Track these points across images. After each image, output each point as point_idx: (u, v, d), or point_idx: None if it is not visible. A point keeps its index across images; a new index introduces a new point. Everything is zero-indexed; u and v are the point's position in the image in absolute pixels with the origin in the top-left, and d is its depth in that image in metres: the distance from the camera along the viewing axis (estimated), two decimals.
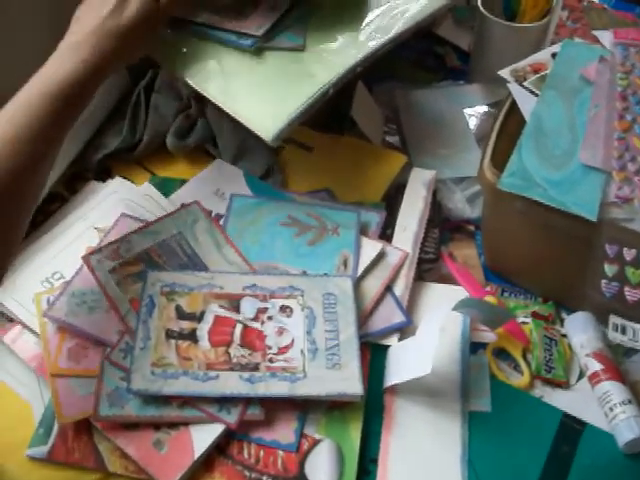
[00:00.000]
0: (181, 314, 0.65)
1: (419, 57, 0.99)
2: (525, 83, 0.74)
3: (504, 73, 0.76)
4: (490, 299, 0.71)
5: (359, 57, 0.74)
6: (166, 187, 0.79)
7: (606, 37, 0.82)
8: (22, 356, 0.66)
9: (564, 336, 0.71)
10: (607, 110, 0.69)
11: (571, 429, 0.64)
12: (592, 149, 0.66)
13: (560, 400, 0.66)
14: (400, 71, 0.96)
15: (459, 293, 0.72)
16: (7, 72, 0.65)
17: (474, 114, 0.90)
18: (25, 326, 0.67)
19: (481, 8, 0.89)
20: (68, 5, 0.65)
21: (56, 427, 0.61)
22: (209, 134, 0.82)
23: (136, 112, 0.82)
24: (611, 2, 1.09)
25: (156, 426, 0.60)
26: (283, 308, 0.66)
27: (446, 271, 0.75)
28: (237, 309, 0.66)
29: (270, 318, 0.66)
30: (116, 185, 0.78)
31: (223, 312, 0.65)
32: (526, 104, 0.72)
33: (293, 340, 0.64)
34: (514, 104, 0.74)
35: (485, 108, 0.90)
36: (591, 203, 0.62)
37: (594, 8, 1.00)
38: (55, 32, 0.64)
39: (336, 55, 0.74)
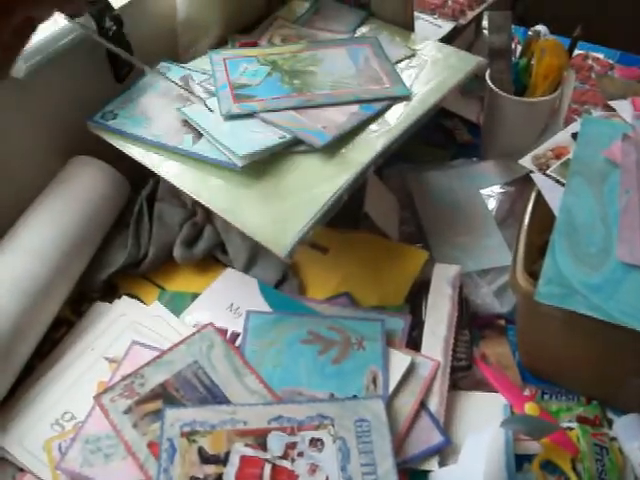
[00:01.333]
0: (204, 458, 0.60)
1: (427, 133, 0.95)
2: (549, 172, 0.70)
3: (525, 162, 0.72)
4: (532, 406, 0.67)
5: (373, 155, 0.71)
6: (176, 303, 0.74)
7: (625, 108, 0.79)
8: None
9: (613, 439, 0.66)
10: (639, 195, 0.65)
11: None
12: (629, 244, 0.62)
13: None
14: (408, 150, 0.92)
15: (497, 401, 0.67)
16: None
17: (491, 194, 0.86)
18: (37, 478, 0.62)
19: (489, 83, 0.86)
20: None
21: None
22: (217, 241, 0.78)
23: (139, 223, 0.79)
24: (616, 56, 1.07)
25: None
26: (313, 441, 0.61)
27: (481, 376, 0.70)
28: (264, 446, 0.61)
29: (300, 454, 0.61)
30: (123, 306, 0.74)
31: (249, 452, 0.60)
32: (553, 196, 0.68)
33: (327, 479, 0.59)
34: (539, 194, 0.70)
35: (502, 188, 0.86)
36: (638, 309, 0.57)
37: (604, 76, 0.96)
38: None
39: (348, 155, 0.71)
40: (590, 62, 1.02)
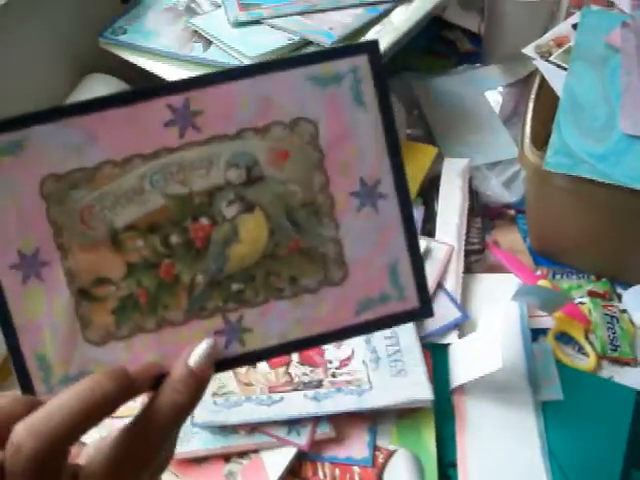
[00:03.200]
0: None
1: (429, 44, 0.97)
2: (551, 58, 0.72)
3: (528, 51, 0.74)
4: (544, 283, 0.69)
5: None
6: None
7: (623, 1, 0.80)
8: None
9: (624, 312, 0.69)
10: None
11: None
12: (632, 117, 0.64)
13: (631, 378, 0.64)
14: (413, 61, 0.94)
15: (510, 281, 0.70)
16: None
17: (495, 95, 0.88)
18: None
19: None
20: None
21: None
22: None
23: None
24: None
25: (226, 457, 0.58)
26: None
27: (494, 260, 0.73)
28: None
29: None
30: None
31: None
32: (556, 80, 0.70)
33: (353, 351, 0.62)
34: (542, 81, 0.72)
35: (505, 88, 0.88)
36: None
37: None
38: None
39: None
40: None
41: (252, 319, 0.34)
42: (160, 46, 0.76)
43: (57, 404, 0.29)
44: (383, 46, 0.73)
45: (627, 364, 0.65)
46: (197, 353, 0.32)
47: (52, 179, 0.32)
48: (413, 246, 0.35)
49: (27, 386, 0.32)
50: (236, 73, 0.33)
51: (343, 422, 0.60)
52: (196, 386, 0.31)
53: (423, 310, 0.36)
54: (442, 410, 0.61)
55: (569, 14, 0.85)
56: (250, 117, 0.33)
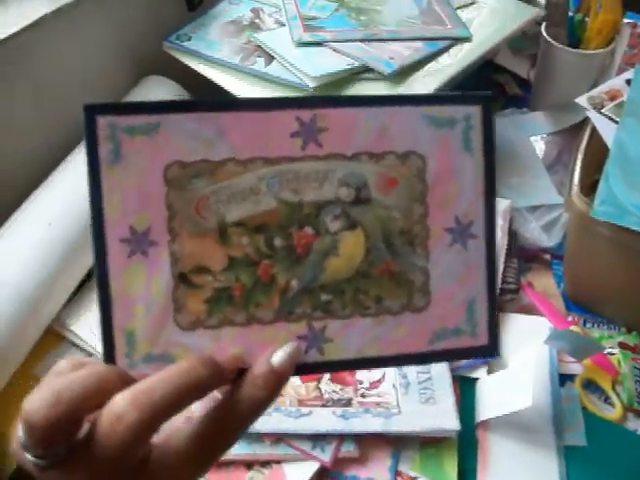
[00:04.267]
0: None
1: (478, 85, 0.98)
2: (603, 110, 0.74)
3: (581, 101, 0.75)
4: (575, 329, 0.70)
5: (434, 87, 0.74)
6: None
7: None
8: None
9: None
10: None
11: None
12: None
13: None
14: None
15: (542, 324, 0.71)
16: None
17: (539, 142, 0.89)
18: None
19: (545, 35, 0.89)
20: None
21: None
22: None
23: None
24: None
25: (248, 465, 0.59)
26: None
27: (527, 301, 0.73)
28: None
29: None
30: None
31: None
32: (607, 131, 0.71)
33: (384, 374, 0.63)
34: (592, 132, 0.73)
35: (549, 135, 0.90)
36: None
37: None
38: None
39: (411, 85, 0.74)
40: (639, 31, 1.05)
41: (335, 330, 0.36)
42: (222, 56, 0.78)
43: (158, 381, 0.30)
44: (436, 83, 0.75)
45: None
46: (281, 353, 0.34)
47: (178, 165, 0.34)
48: (492, 287, 0.38)
49: (110, 357, 0.34)
50: (362, 100, 0.36)
51: (367, 443, 0.60)
52: (275, 384, 0.33)
53: (490, 348, 0.38)
54: (465, 443, 0.62)
55: (620, 69, 0.87)
56: (367, 142, 0.36)
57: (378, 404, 0.61)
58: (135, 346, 0.34)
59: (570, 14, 0.89)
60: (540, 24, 0.90)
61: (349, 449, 0.59)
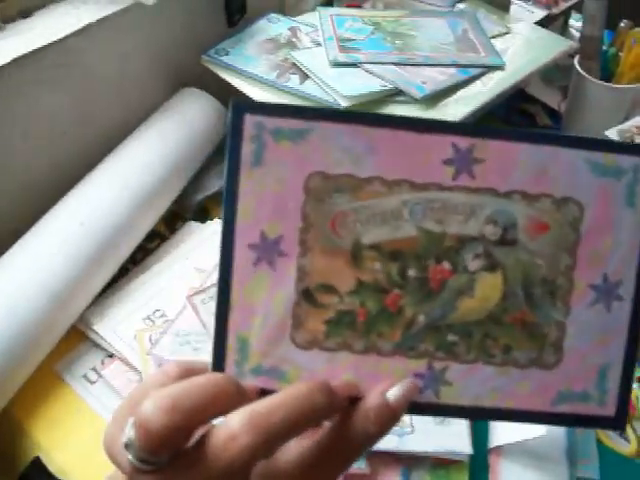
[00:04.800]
0: None
1: (509, 115, 0.99)
2: None
3: (611, 133, 0.75)
4: None
5: (466, 113, 0.75)
6: None
7: None
8: (123, 393, 0.66)
9: None
10: None
11: None
12: None
13: None
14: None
15: None
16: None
17: None
18: (126, 363, 0.67)
19: (578, 67, 0.89)
20: None
21: None
22: None
23: None
24: None
25: None
26: None
27: None
28: None
29: None
30: (216, 226, 0.79)
31: None
32: None
33: None
34: None
35: None
36: None
37: None
38: None
39: (443, 110, 0.75)
40: None
41: (455, 374, 0.34)
42: (258, 72, 0.79)
43: (277, 404, 0.29)
44: (467, 109, 0.76)
45: None
46: (399, 388, 0.32)
47: (320, 176, 0.33)
48: (630, 356, 0.35)
49: (220, 363, 0.33)
50: (525, 136, 0.34)
51: (378, 461, 0.60)
52: (388, 419, 0.31)
53: (616, 421, 0.35)
54: (477, 467, 0.62)
55: None
56: (523, 181, 0.34)
57: None
58: (247, 356, 0.33)
59: (604, 48, 0.90)
60: (573, 57, 0.91)
61: (360, 466, 0.59)
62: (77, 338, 0.70)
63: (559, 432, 0.64)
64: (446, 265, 0.34)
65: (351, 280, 0.33)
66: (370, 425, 0.31)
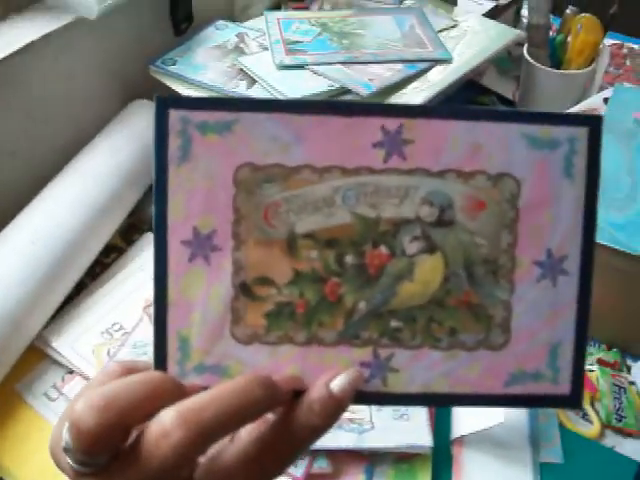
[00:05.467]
0: None
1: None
2: None
3: None
4: None
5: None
6: None
7: None
8: None
9: (632, 384, 0.69)
10: None
11: None
12: None
13: (634, 450, 0.64)
14: None
15: None
16: None
17: None
18: (86, 378, 0.67)
19: (527, 56, 0.90)
20: None
21: None
22: None
23: None
24: None
25: None
26: None
27: None
28: None
29: None
30: None
31: None
32: None
33: None
34: None
35: None
36: None
37: (639, 54, 1.00)
38: None
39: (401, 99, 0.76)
40: (625, 51, 1.06)
41: (402, 361, 0.33)
42: (206, 80, 0.79)
43: (210, 399, 0.28)
44: (418, 101, 0.76)
45: (630, 435, 0.65)
46: (343, 379, 0.31)
47: (249, 168, 0.32)
48: (581, 332, 0.34)
49: (162, 364, 0.32)
50: (455, 112, 0.33)
51: (341, 459, 0.60)
52: (333, 411, 0.30)
53: (571, 400, 0.34)
54: (440, 459, 0.62)
55: (602, 89, 0.88)
56: (457, 159, 0.33)
57: (351, 420, 0.61)
58: (188, 354, 0.32)
59: (551, 35, 0.91)
60: (523, 45, 0.92)
61: (322, 465, 0.59)
62: (36, 357, 0.69)
63: (521, 419, 0.64)
64: (383, 250, 0.33)
65: (288, 271, 0.33)
66: (314, 417, 0.30)
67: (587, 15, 0.88)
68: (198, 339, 0.32)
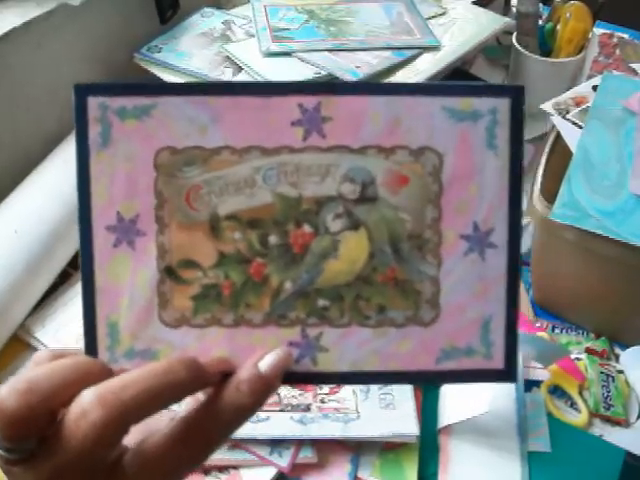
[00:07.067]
0: None
1: None
2: (568, 116, 0.74)
3: (546, 107, 0.75)
4: (542, 335, 0.69)
5: None
6: None
7: None
8: None
9: (620, 372, 0.68)
10: None
11: (636, 469, 0.61)
12: None
13: (621, 438, 0.63)
14: None
15: None
16: None
17: None
18: None
19: (516, 44, 0.89)
20: None
21: None
22: None
23: None
24: None
25: (205, 471, 0.58)
26: None
27: None
28: None
29: None
30: None
31: None
32: (571, 136, 0.71)
33: None
34: (558, 137, 0.73)
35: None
36: None
37: (628, 43, 1.00)
38: None
39: None
40: (615, 40, 1.06)
41: (331, 339, 0.33)
42: (192, 67, 0.79)
43: (131, 379, 0.28)
44: None
45: (618, 424, 0.64)
46: (270, 358, 0.31)
47: (169, 151, 0.32)
48: (512, 305, 0.33)
49: (92, 350, 0.32)
50: (373, 88, 0.33)
51: (326, 449, 0.60)
52: (262, 391, 0.30)
53: (506, 374, 0.34)
54: (427, 448, 0.61)
55: (591, 77, 0.87)
56: (377, 135, 0.33)
57: (337, 409, 0.60)
58: (118, 339, 0.32)
59: (541, 23, 0.90)
60: (512, 34, 0.91)
61: (307, 455, 0.59)
62: (19, 347, 0.69)
63: (509, 407, 0.64)
64: (307, 228, 0.33)
65: (212, 253, 0.33)
66: (243, 398, 0.30)
67: (576, 3, 0.87)
68: (127, 324, 0.32)
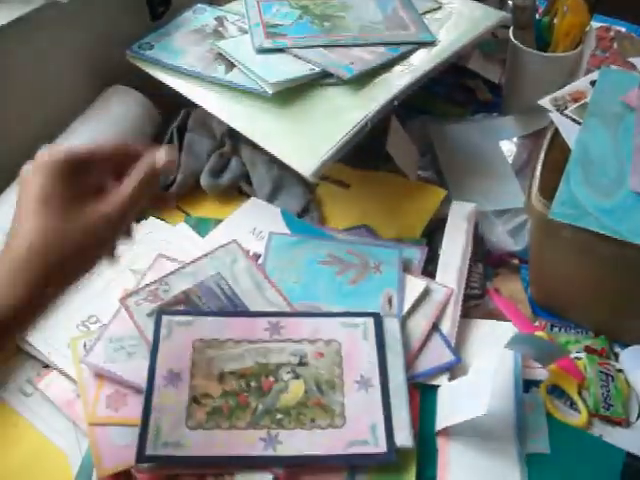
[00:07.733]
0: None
1: (449, 91, 0.98)
2: (566, 112, 0.73)
3: (544, 102, 0.74)
4: (541, 334, 0.69)
5: (396, 90, 0.73)
6: (201, 227, 0.77)
7: None
8: (57, 403, 0.64)
9: (619, 371, 0.67)
10: None
11: (636, 470, 0.60)
12: None
13: (621, 439, 0.63)
14: (431, 106, 0.95)
15: (507, 329, 0.69)
16: None
17: (510, 146, 0.88)
18: (61, 372, 0.65)
19: (513, 39, 0.88)
20: None
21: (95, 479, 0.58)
22: (243, 172, 0.81)
23: None
24: (638, 31, 1.09)
25: (200, 477, 0.57)
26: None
27: (493, 307, 0.72)
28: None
29: None
30: (151, 226, 0.77)
31: None
32: (569, 132, 0.70)
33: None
34: (556, 134, 0.72)
35: (519, 139, 0.89)
36: None
37: (626, 37, 0.99)
38: None
39: (373, 89, 0.74)
40: (612, 34, 1.04)
41: (284, 437, 0.57)
42: (184, 64, 0.77)
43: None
44: (402, 84, 0.74)
45: (618, 424, 0.64)
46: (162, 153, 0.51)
47: (199, 340, 0.63)
48: (387, 416, 0.59)
49: (143, 439, 0.56)
50: (306, 315, 0.66)
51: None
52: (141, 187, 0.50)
53: (387, 455, 0.57)
54: (426, 451, 0.60)
55: (588, 72, 0.86)
56: (307, 334, 0.64)
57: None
58: (159, 435, 0.56)
59: (537, 17, 0.89)
60: (508, 28, 0.90)
61: None
62: (11, 351, 0.68)
63: (508, 409, 0.63)
64: (271, 378, 0.61)
65: (219, 390, 0.60)
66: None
67: None
68: (165, 426, 0.57)
